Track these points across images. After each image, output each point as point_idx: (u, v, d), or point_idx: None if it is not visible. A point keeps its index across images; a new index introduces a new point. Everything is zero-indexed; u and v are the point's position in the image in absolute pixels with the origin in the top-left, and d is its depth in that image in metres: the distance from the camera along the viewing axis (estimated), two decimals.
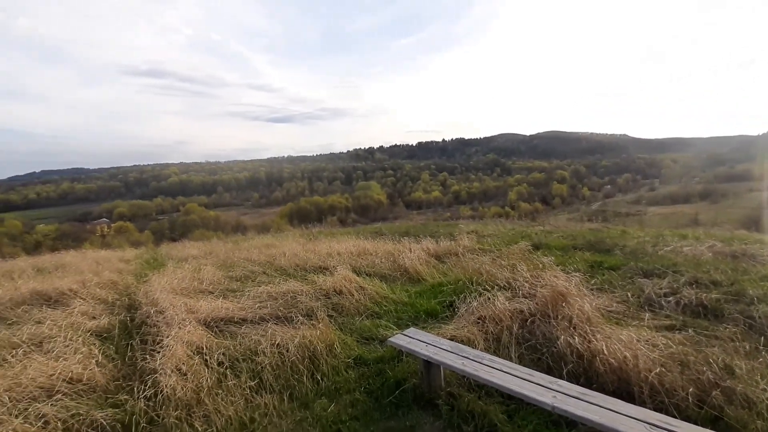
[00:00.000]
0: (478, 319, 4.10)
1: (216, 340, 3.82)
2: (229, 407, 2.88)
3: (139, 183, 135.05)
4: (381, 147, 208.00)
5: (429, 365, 3.09)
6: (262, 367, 3.34)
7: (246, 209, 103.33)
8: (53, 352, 3.62)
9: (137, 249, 12.20)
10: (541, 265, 5.51)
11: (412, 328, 3.65)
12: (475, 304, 4.20)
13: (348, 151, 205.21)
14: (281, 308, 4.72)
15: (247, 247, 9.77)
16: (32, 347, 3.78)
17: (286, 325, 4.17)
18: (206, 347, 3.61)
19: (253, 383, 3.18)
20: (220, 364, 3.40)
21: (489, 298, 4.32)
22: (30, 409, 2.73)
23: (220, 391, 3.03)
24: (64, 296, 5.58)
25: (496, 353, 3.41)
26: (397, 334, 3.62)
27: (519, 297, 4.46)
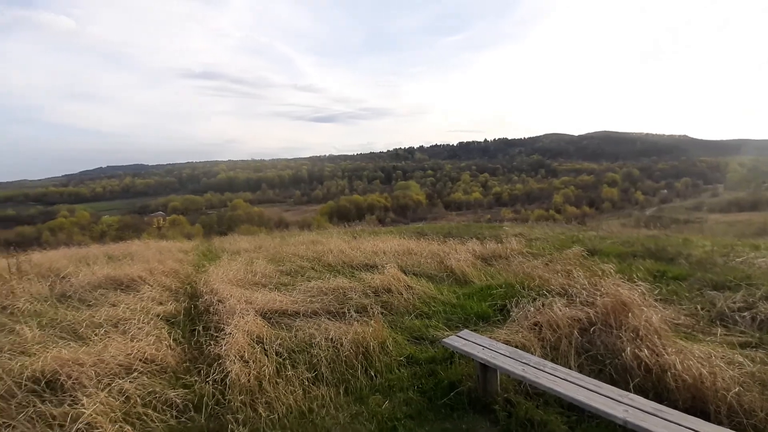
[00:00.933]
0: (534, 324, 3.99)
1: (273, 331, 3.98)
2: (289, 396, 2.99)
3: (191, 179, 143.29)
4: (421, 147, 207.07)
5: (486, 369, 3.04)
6: (318, 360, 3.44)
7: (288, 206, 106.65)
8: (129, 333, 3.93)
9: (190, 240, 12.94)
10: (599, 272, 5.25)
11: (465, 330, 3.61)
12: (532, 309, 4.07)
13: (388, 151, 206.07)
14: (332, 303, 4.83)
15: (294, 242, 10.09)
16: (110, 327, 4.13)
17: (338, 321, 4.27)
18: (265, 337, 3.77)
19: (309, 375, 3.28)
20: (278, 354, 3.53)
21: (544, 304, 4.19)
22: (113, 384, 2.98)
23: (279, 380, 3.16)
24: (134, 282, 6.03)
25: (554, 361, 3.29)
26: (450, 335, 3.60)
27: (576, 304, 4.29)
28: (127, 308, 4.70)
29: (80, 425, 2.49)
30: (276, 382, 3.13)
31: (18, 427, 2.58)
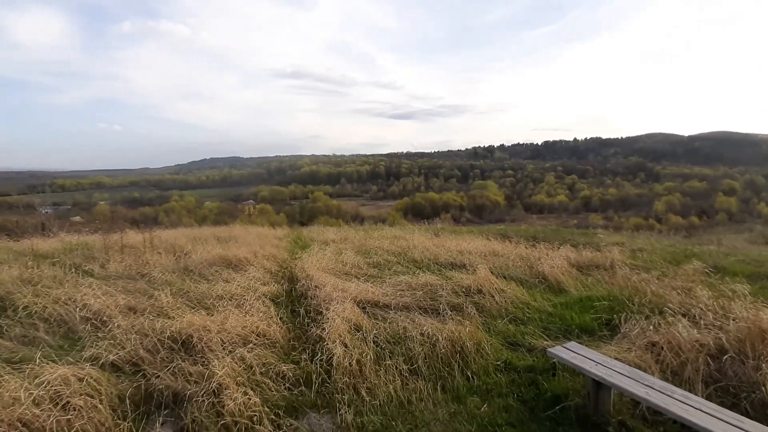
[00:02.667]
0: (649, 344, 3.61)
1: (369, 321, 4.13)
2: (389, 385, 3.08)
3: (278, 171, 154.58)
4: (502, 145, 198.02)
5: (599, 386, 2.82)
6: (414, 354, 3.48)
7: (365, 200, 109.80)
8: (243, 308, 4.37)
9: (275, 228, 13.86)
10: (729, 293, 4.57)
11: (573, 342, 3.38)
12: (651, 328, 3.68)
13: (466, 149, 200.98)
14: (423, 299, 4.86)
15: (378, 236, 10.35)
16: (227, 301, 4.63)
17: (429, 317, 4.29)
18: (363, 326, 3.92)
19: (406, 367, 3.34)
20: (375, 343, 3.66)
21: (660, 324, 3.77)
22: (235, 352, 3.33)
23: (379, 368, 3.27)
24: (240, 262, 6.69)
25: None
26: (550, 345, 3.41)
27: (701, 327, 3.79)
28: (239, 286, 5.22)
29: (213, 384, 2.82)
30: (376, 369, 3.24)
31: (164, 379, 3.01)
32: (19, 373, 2.76)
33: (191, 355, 3.35)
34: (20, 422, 2.35)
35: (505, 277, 6.03)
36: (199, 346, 3.46)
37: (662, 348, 3.46)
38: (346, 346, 3.47)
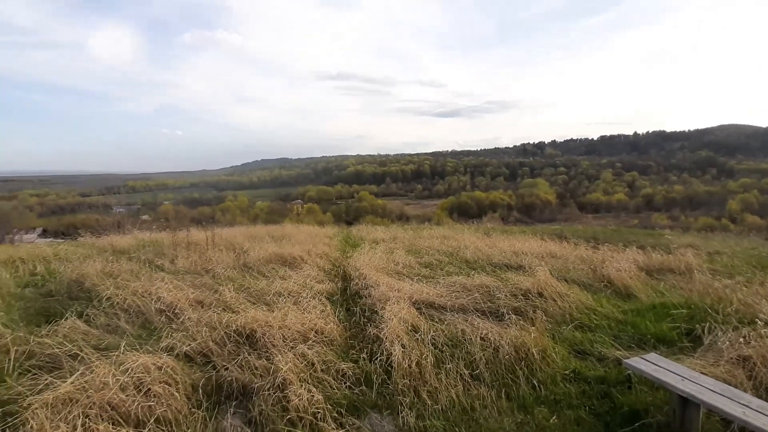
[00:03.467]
0: (740, 358, 3.24)
1: (426, 322, 4.06)
2: (450, 389, 3.00)
3: (325, 171, 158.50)
4: (553, 141, 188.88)
5: (686, 403, 2.56)
6: (475, 359, 3.37)
7: (409, 200, 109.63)
8: (300, 304, 4.47)
9: (322, 227, 14.10)
10: None
11: (653, 354, 3.11)
12: (740, 340, 3.31)
13: (514, 146, 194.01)
14: (480, 301, 4.72)
15: (427, 236, 10.25)
16: (285, 298, 4.76)
17: (488, 320, 4.14)
18: (422, 327, 3.87)
19: (467, 372, 3.24)
20: (433, 345, 3.58)
21: (752, 336, 3.38)
22: (297, 348, 3.41)
23: (439, 371, 3.20)
24: (295, 260, 6.89)
25: None
26: (624, 355, 3.16)
27: None
28: (295, 283, 5.37)
29: (278, 379, 2.90)
30: (436, 373, 3.17)
31: (233, 371, 3.15)
32: (107, 360, 2.99)
33: (255, 349, 3.48)
34: (109, 405, 2.54)
35: (566, 281, 5.71)
36: (262, 341, 3.58)
37: (755, 363, 3.11)
38: (404, 347, 3.43)
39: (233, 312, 4.19)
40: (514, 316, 4.05)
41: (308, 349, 3.44)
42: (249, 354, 3.33)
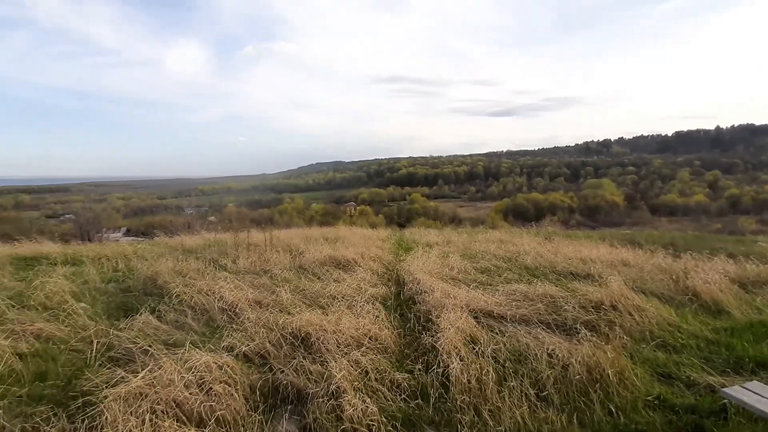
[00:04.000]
0: None
1: (485, 333, 3.83)
2: (515, 410, 2.76)
3: (377, 174, 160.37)
4: (620, 139, 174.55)
5: None
6: (541, 377, 3.10)
7: (462, 202, 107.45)
8: (354, 308, 4.43)
9: (376, 230, 14.10)
10: None
11: (755, 382, 2.66)
12: None
13: (576, 145, 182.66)
14: (544, 313, 4.38)
15: (482, 239, 9.86)
16: (340, 301, 4.75)
17: (555, 334, 3.81)
18: (481, 339, 3.65)
19: (533, 392, 2.98)
20: (494, 359, 3.35)
21: None
22: (351, 354, 3.35)
23: (501, 389, 2.97)
24: (348, 263, 6.91)
25: None
26: (732, 385, 2.71)
27: None
28: (349, 286, 5.35)
29: (332, 387, 2.85)
30: (498, 390, 2.94)
31: (288, 374, 3.16)
32: (173, 357, 3.13)
33: (310, 353, 3.47)
34: (174, 402, 2.64)
35: (643, 292, 5.15)
36: (316, 345, 3.57)
37: None
38: (462, 360, 3.24)
39: (289, 314, 4.25)
40: (584, 331, 3.69)
41: (362, 356, 3.37)
42: (304, 358, 3.33)
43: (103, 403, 2.52)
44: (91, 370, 3.24)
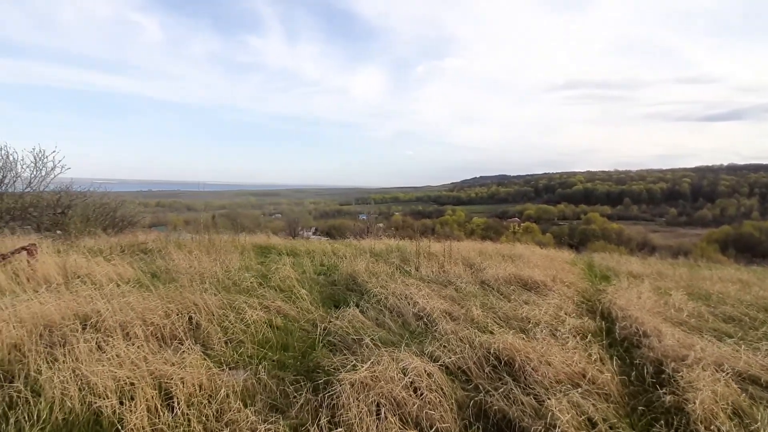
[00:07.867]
0: None
1: (756, 407, 2.84)
2: None
3: (546, 189, 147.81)
4: None
5: None
6: None
7: (657, 226, 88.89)
8: (557, 338, 3.95)
9: (542, 248, 12.58)
10: None
11: None
12: None
13: None
14: None
15: (713, 277, 7.72)
16: (532, 325, 4.33)
17: None
18: (753, 414, 2.72)
19: None
20: None
21: None
22: (570, 394, 2.93)
23: None
24: (536, 285, 6.34)
25: None
26: None
27: None
28: (545, 312, 4.85)
29: (556, 431, 2.52)
30: None
31: (498, 400, 2.96)
32: (389, 354, 3.32)
33: (516, 381, 3.20)
34: (394, 400, 2.76)
35: None
36: (521, 373, 3.29)
37: None
38: None
39: (481, 330, 4.08)
40: None
41: (582, 398, 2.91)
42: (514, 386, 3.08)
43: (341, 384, 2.83)
44: (317, 350, 3.75)
